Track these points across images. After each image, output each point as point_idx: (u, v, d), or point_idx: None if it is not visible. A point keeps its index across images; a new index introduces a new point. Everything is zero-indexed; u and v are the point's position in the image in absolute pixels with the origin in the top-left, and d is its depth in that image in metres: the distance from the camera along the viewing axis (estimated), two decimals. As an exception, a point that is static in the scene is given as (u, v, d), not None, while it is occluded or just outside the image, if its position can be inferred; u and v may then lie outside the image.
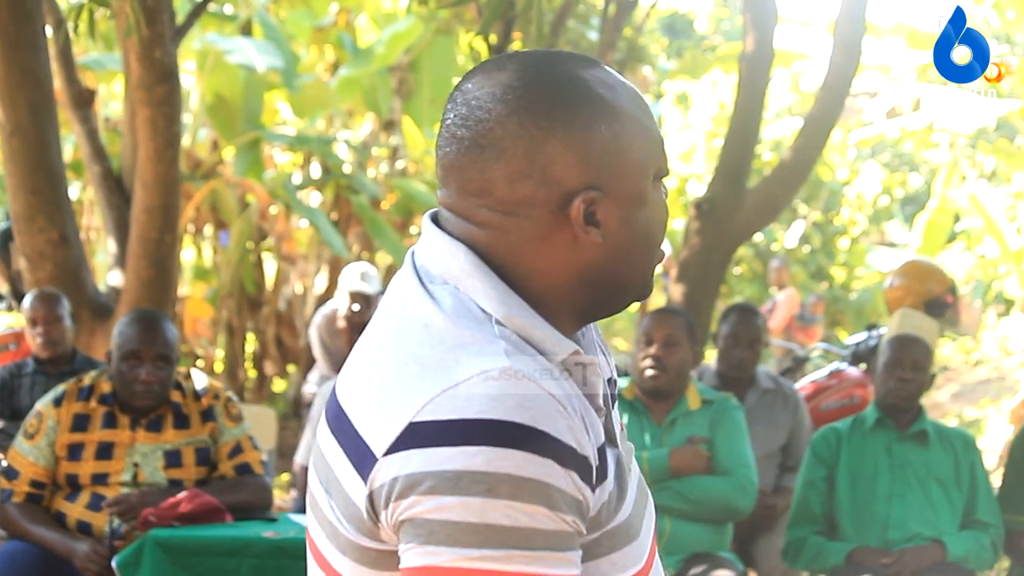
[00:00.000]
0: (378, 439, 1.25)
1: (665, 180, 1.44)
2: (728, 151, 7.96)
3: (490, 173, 1.34)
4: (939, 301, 6.35)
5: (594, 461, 1.28)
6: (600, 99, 1.35)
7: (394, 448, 1.23)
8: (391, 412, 1.25)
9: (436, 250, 1.37)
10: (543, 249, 1.35)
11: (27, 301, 5.25)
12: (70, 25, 4.55)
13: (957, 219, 15.26)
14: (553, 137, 1.33)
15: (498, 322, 1.32)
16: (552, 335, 1.33)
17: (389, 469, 1.22)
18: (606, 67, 1.42)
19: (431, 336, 1.29)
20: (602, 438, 1.36)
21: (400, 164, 13.49)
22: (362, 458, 1.26)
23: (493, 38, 6.81)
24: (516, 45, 7.42)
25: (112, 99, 12.44)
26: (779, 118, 17.16)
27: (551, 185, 1.33)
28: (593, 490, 1.28)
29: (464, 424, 1.20)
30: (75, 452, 4.06)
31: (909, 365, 4.44)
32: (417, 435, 1.21)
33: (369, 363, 1.34)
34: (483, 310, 1.32)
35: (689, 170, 16.41)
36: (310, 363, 10.01)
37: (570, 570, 1.21)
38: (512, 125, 1.33)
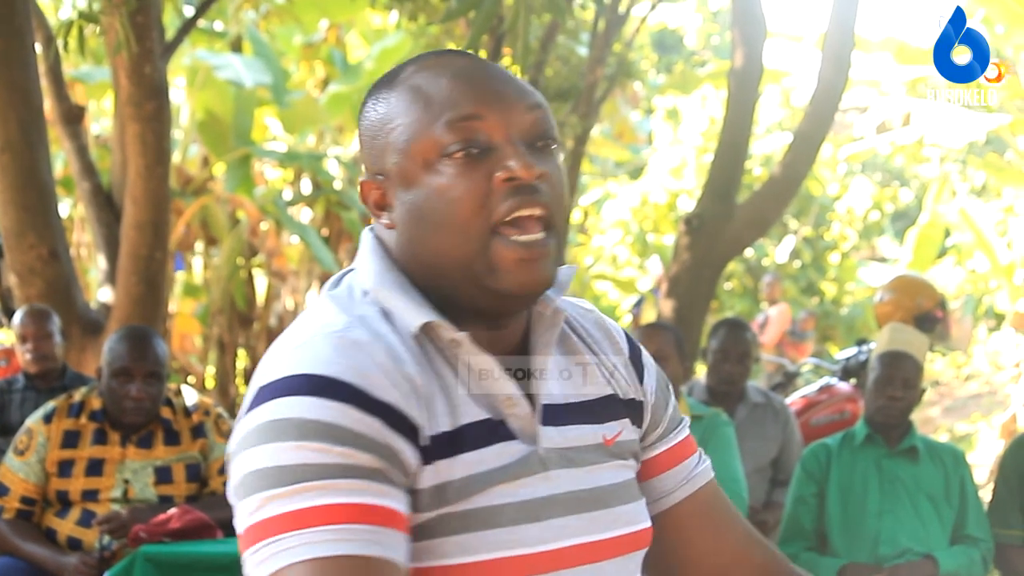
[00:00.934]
0: (244, 407, 1.32)
1: (464, 152, 1.34)
2: (718, 166, 7.97)
3: None
4: (929, 316, 6.35)
5: (421, 421, 1.31)
6: (388, 85, 1.41)
7: (246, 412, 1.30)
8: (254, 383, 1.32)
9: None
10: (383, 233, 1.43)
11: (17, 317, 5.24)
12: (60, 42, 4.55)
13: (947, 234, 15.28)
14: (361, 127, 1.43)
15: (375, 301, 1.38)
16: (408, 307, 1.37)
17: (235, 435, 1.31)
18: (446, 53, 1.42)
19: (311, 317, 1.37)
20: (475, 417, 1.36)
21: (391, 180, 13.48)
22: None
23: (483, 54, 6.82)
24: (506, 60, 7.43)
25: (102, 115, 12.45)
26: (769, 133, 17.19)
27: (364, 173, 1.44)
28: (418, 447, 1.30)
29: (276, 383, 1.28)
30: (65, 468, 4.04)
31: (899, 383, 4.42)
32: (257, 397, 1.29)
33: None
34: (365, 290, 1.40)
35: (679, 185, 16.44)
36: (301, 379, 9.99)
37: (363, 497, 1.23)
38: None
